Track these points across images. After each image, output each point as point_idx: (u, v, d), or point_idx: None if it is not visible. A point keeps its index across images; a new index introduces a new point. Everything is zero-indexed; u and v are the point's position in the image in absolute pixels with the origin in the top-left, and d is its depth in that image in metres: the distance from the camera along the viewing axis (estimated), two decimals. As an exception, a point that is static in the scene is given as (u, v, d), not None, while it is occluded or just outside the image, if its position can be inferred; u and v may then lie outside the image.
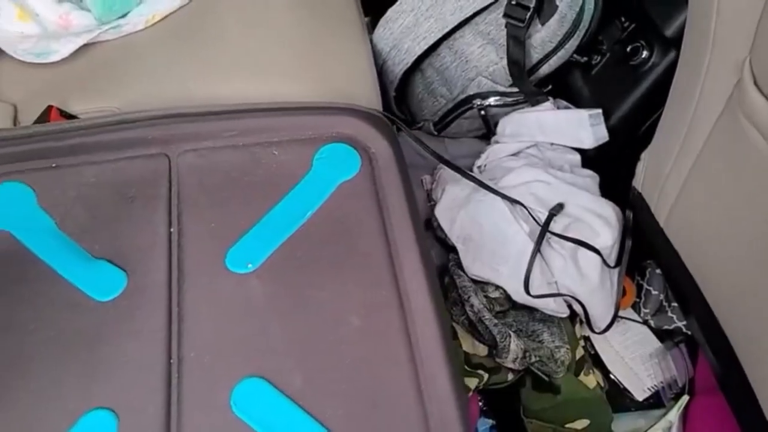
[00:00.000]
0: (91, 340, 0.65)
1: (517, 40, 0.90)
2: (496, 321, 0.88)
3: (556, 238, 0.91)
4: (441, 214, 0.94)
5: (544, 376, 0.93)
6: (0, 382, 0.62)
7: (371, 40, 1.01)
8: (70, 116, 0.81)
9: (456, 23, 0.95)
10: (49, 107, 0.79)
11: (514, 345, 0.87)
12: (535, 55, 0.95)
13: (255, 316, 0.66)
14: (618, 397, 1.04)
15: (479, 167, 1.02)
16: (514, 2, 0.89)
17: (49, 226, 0.72)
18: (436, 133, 1.11)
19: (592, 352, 1.06)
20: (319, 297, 0.67)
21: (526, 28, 0.89)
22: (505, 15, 0.90)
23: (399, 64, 1.02)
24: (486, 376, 0.92)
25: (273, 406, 0.61)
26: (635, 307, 1.08)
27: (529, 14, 0.90)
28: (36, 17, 0.89)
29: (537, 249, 0.88)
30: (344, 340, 0.65)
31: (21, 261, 0.69)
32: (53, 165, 0.75)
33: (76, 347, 0.64)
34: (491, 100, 1.02)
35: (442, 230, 0.95)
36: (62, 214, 0.73)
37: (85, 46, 0.87)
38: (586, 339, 1.05)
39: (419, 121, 1.13)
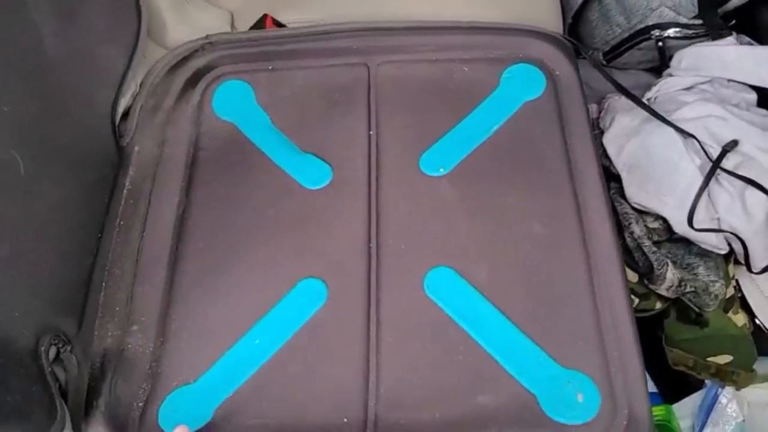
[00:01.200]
0: (303, 221, 0.75)
1: (713, -31, 0.89)
2: (654, 249, 0.91)
3: (726, 175, 0.91)
4: (609, 142, 0.96)
5: (694, 308, 0.95)
6: (231, 251, 0.74)
7: (555, -36, 1.02)
8: (281, 25, 0.89)
9: (647, -51, 0.95)
10: (265, 16, 0.88)
11: (671, 273, 0.90)
12: (728, -14, 0.93)
13: (446, 214, 0.74)
14: (762, 341, 1.04)
15: (649, 99, 1.02)
16: (716, -71, 0.87)
17: (265, 121, 0.83)
18: (605, 62, 1.12)
19: (739, 295, 1.07)
20: (504, 203, 0.74)
21: (726, -42, 0.87)
22: (705, -57, 0.88)
23: (582, -10, 1.02)
24: (636, 300, 0.96)
25: (460, 293, 0.69)
26: (792, 256, 1.06)
27: (728, -58, 0.87)
28: (250, -68, 0.97)
29: (706, 184, 0.88)
30: (527, 243, 0.71)
31: (243, 149, 0.81)
32: (269, 67, 0.85)
33: (292, 226, 0.75)
34: (671, 32, 1.00)
35: (607, 158, 0.97)
36: (276, 111, 0.83)
37: (293, -40, 0.95)
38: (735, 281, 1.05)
39: (589, 50, 1.14)
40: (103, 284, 0.73)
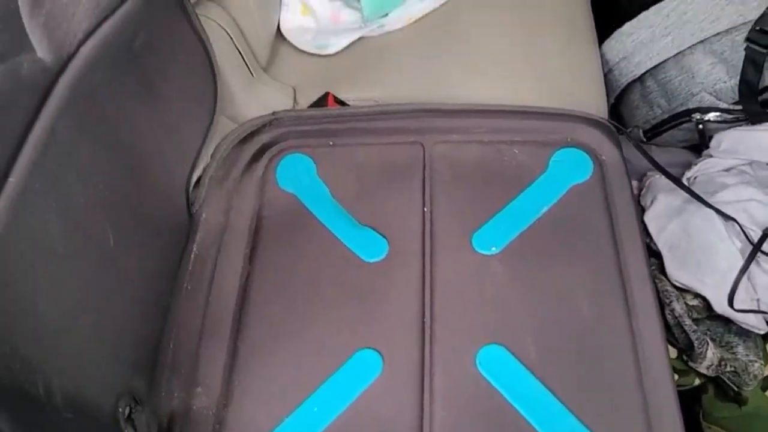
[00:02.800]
0: (361, 293, 0.79)
1: (755, 63, 0.93)
2: (695, 327, 0.93)
3: (765, 257, 0.93)
4: (651, 220, 0.99)
5: (733, 386, 0.96)
6: (291, 320, 0.78)
7: (600, 49, 1.07)
8: (342, 102, 0.95)
9: (693, 43, 0.99)
10: (327, 93, 0.94)
11: (711, 353, 0.92)
12: (769, 78, 0.97)
13: (497, 292, 0.77)
14: (799, 421, 1.05)
15: (688, 179, 1.06)
16: (758, 28, 0.91)
17: (325, 194, 0.87)
18: (645, 140, 1.16)
19: (777, 373, 1.07)
20: (552, 284, 0.77)
21: (767, 54, 0.91)
22: (748, 39, 0.92)
23: (626, 75, 1.07)
24: (675, 376, 0.97)
25: (512, 372, 0.72)
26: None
27: (773, 42, 0.91)
28: (313, 12, 1.04)
29: (747, 267, 0.91)
30: (574, 324, 0.74)
31: (304, 220, 0.85)
32: (330, 143, 0.91)
33: (350, 297, 0.79)
34: (711, 116, 1.04)
35: (648, 235, 1.00)
36: (336, 185, 0.88)
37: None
38: (773, 358, 1.06)
39: (629, 128, 1.18)
40: (171, 346, 0.77)
